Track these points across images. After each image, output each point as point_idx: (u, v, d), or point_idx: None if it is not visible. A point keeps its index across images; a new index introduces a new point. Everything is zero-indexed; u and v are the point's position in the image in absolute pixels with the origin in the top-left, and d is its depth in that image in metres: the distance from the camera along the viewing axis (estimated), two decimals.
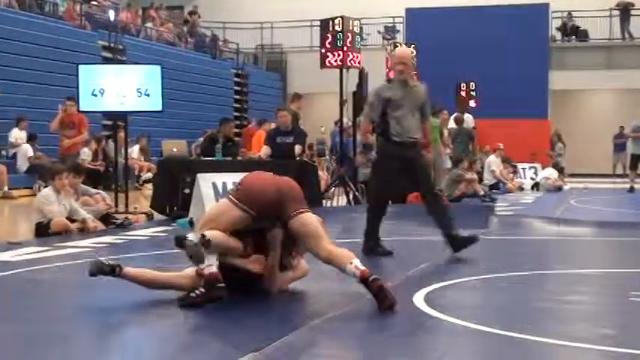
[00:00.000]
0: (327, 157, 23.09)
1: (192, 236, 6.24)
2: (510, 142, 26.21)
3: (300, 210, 6.36)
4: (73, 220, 11.41)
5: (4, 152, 20.23)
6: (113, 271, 6.34)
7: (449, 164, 20.11)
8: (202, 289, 6.15)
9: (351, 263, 6.14)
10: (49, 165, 14.31)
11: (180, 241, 6.30)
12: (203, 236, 6.15)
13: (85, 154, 20.58)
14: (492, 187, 21.61)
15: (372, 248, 9.14)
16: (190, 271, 6.46)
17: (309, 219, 6.38)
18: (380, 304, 5.99)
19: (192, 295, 6.16)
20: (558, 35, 35.33)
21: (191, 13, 36.32)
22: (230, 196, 6.44)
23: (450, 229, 9.16)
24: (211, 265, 6.17)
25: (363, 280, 6.07)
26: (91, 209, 11.92)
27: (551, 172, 24.33)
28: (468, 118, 22.43)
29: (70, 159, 16.28)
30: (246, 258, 6.49)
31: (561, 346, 5.15)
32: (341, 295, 6.87)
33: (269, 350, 4.93)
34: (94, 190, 12.76)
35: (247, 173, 6.78)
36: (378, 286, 6.02)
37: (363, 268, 6.12)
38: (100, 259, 6.47)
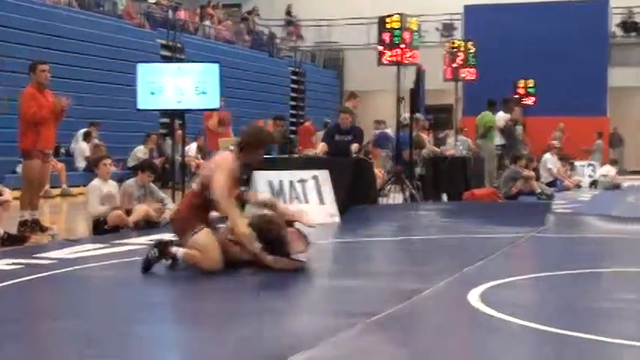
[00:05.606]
0: (384, 154, 22.97)
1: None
2: (568, 139, 25.94)
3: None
4: (128, 213, 11.44)
5: (63, 150, 20.44)
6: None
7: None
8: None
9: None
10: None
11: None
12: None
13: (141, 151, 20.71)
14: (549, 184, 21.39)
15: None
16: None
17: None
18: None
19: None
20: (618, 31, 34.85)
21: (249, 12, 36.47)
22: None
23: None
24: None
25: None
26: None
27: (609, 170, 24.06)
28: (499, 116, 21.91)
29: None
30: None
31: (618, 345, 5.08)
32: (392, 293, 6.86)
33: (320, 349, 4.92)
34: (162, 195, 12.50)
35: None
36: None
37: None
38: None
